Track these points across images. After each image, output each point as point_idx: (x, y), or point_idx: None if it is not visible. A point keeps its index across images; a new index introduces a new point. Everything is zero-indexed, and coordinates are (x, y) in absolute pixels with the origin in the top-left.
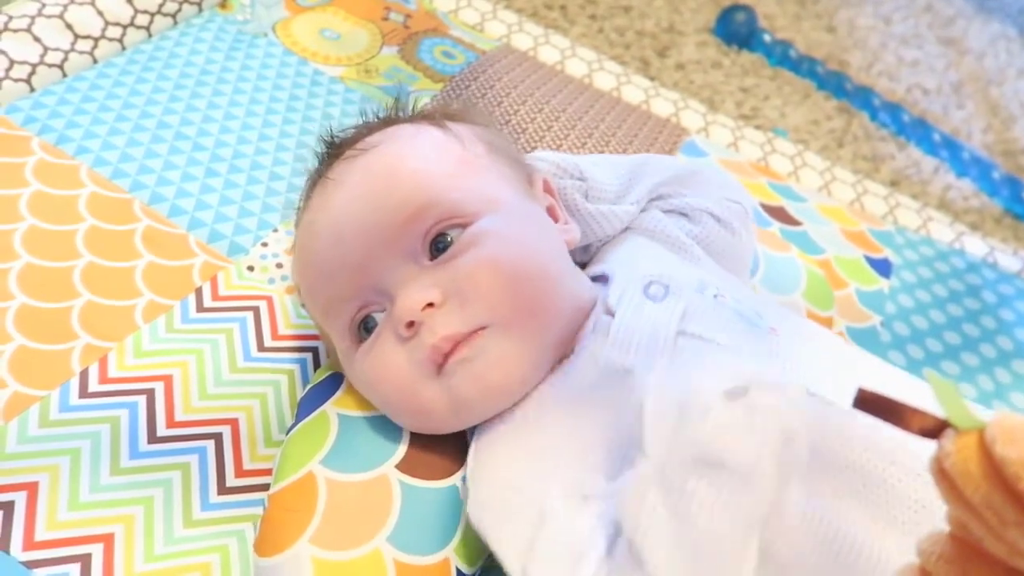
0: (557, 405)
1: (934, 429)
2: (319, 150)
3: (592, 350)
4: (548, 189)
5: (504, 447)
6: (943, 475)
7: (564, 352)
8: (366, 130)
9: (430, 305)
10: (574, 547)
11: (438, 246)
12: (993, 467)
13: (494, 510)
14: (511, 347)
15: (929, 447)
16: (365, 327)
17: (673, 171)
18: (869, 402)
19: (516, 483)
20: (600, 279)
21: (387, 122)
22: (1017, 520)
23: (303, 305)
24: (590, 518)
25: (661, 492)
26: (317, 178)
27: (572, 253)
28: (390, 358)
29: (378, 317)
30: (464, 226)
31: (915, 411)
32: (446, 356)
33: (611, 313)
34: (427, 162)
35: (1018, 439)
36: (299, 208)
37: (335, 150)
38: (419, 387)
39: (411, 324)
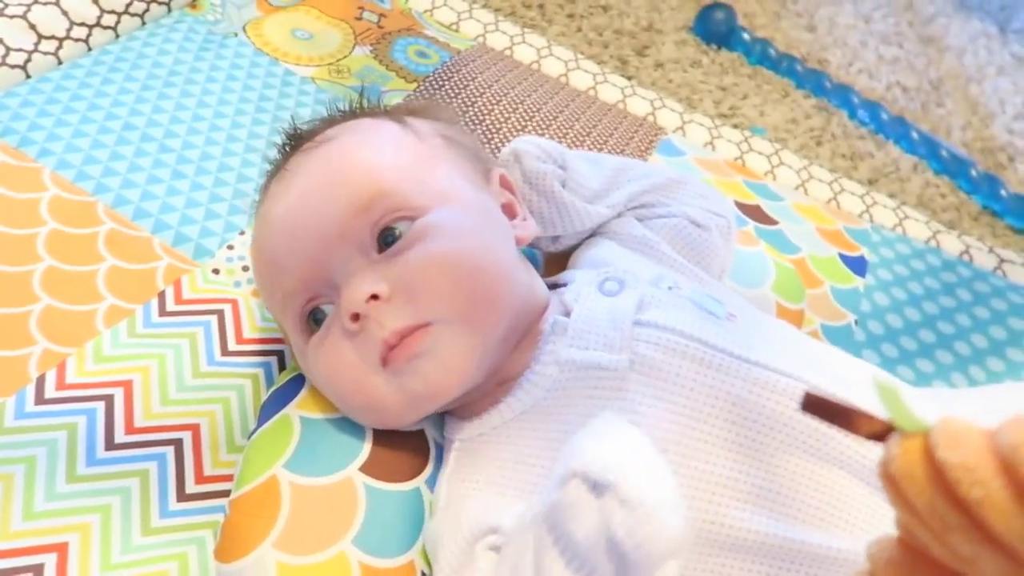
0: (524, 414)
1: (882, 433)
2: (280, 142)
3: (553, 351)
4: (506, 184)
5: (472, 467)
6: (889, 479)
7: (520, 357)
8: (327, 123)
9: (375, 298)
10: None
11: (386, 240)
12: (936, 471)
13: (437, 540)
14: (457, 343)
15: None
16: (314, 319)
17: (655, 180)
18: (815, 406)
19: (462, 517)
20: (561, 286)
21: (348, 116)
22: (959, 525)
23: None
24: None
25: (534, 541)
26: (276, 170)
27: (542, 242)
28: (338, 352)
29: (327, 309)
30: (413, 219)
31: (863, 415)
32: (392, 349)
33: (568, 313)
34: (380, 155)
35: (961, 443)
36: (257, 201)
37: (295, 143)
38: (369, 382)
39: (356, 317)
